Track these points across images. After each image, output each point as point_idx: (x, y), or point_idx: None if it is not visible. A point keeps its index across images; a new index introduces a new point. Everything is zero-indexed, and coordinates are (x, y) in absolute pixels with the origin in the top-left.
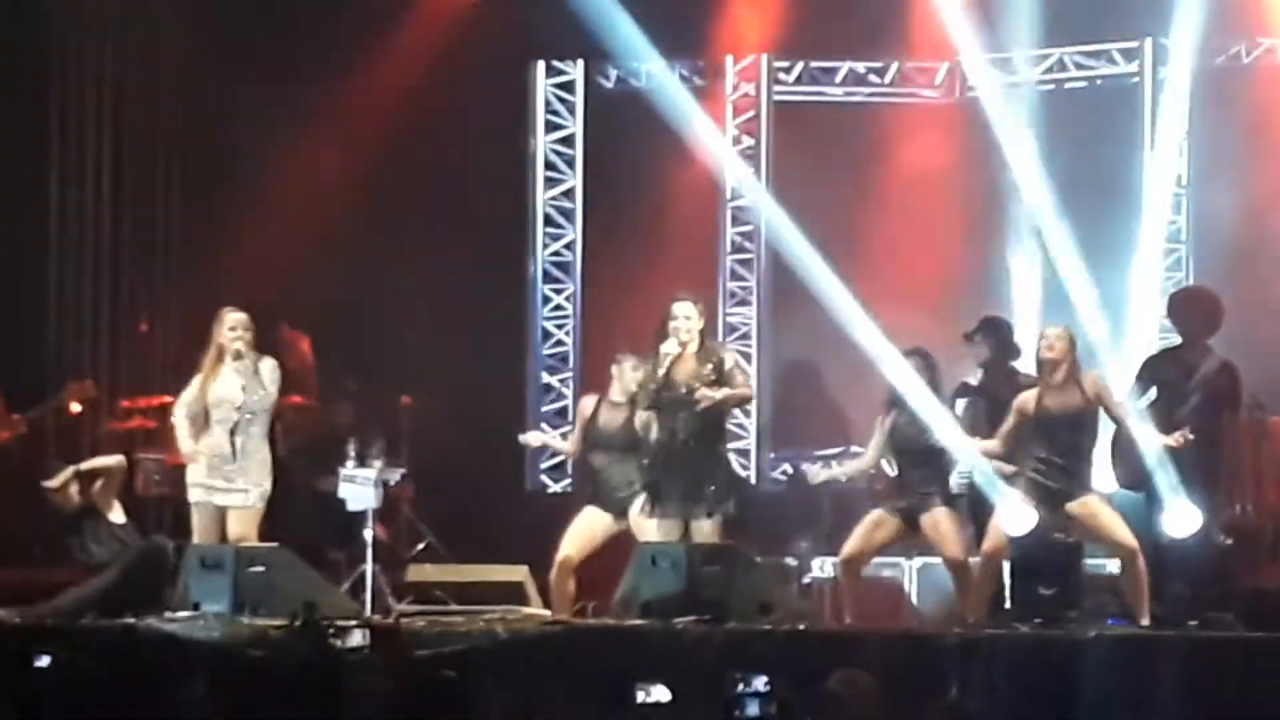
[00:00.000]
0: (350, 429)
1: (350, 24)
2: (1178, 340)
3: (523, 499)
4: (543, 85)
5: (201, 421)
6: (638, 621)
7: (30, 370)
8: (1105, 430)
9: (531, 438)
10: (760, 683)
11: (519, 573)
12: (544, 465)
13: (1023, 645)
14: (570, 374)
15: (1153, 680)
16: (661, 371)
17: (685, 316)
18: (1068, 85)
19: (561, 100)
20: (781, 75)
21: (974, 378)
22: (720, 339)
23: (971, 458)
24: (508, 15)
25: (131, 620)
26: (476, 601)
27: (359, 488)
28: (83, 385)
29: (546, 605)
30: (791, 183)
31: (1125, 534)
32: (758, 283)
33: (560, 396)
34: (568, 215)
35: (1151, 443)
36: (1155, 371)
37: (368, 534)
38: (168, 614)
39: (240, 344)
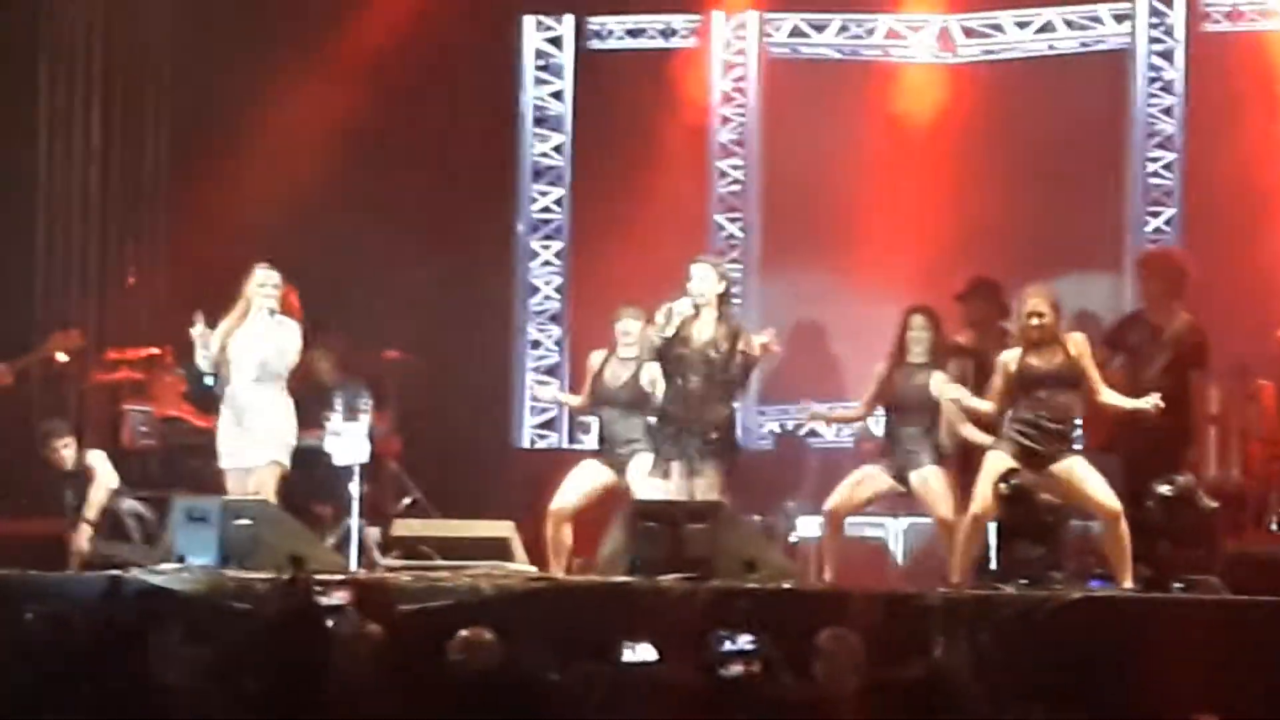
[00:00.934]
0: (335, 382)
1: None
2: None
3: (510, 455)
4: (532, 40)
5: (224, 374)
6: (623, 579)
7: (17, 322)
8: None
9: (544, 393)
10: (745, 640)
11: (505, 528)
12: (532, 422)
13: (1007, 606)
14: (558, 330)
15: (1137, 642)
16: (671, 328)
17: (701, 278)
18: (1057, 48)
19: (550, 56)
20: (770, 31)
21: (964, 337)
22: None
23: (960, 418)
24: None
25: (118, 572)
26: (462, 557)
27: (347, 442)
28: (68, 334)
29: (533, 561)
30: (781, 139)
31: (1108, 496)
32: (747, 240)
33: (548, 352)
34: (556, 171)
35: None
36: (1123, 334)
37: (354, 488)
38: (153, 567)
39: (271, 301)
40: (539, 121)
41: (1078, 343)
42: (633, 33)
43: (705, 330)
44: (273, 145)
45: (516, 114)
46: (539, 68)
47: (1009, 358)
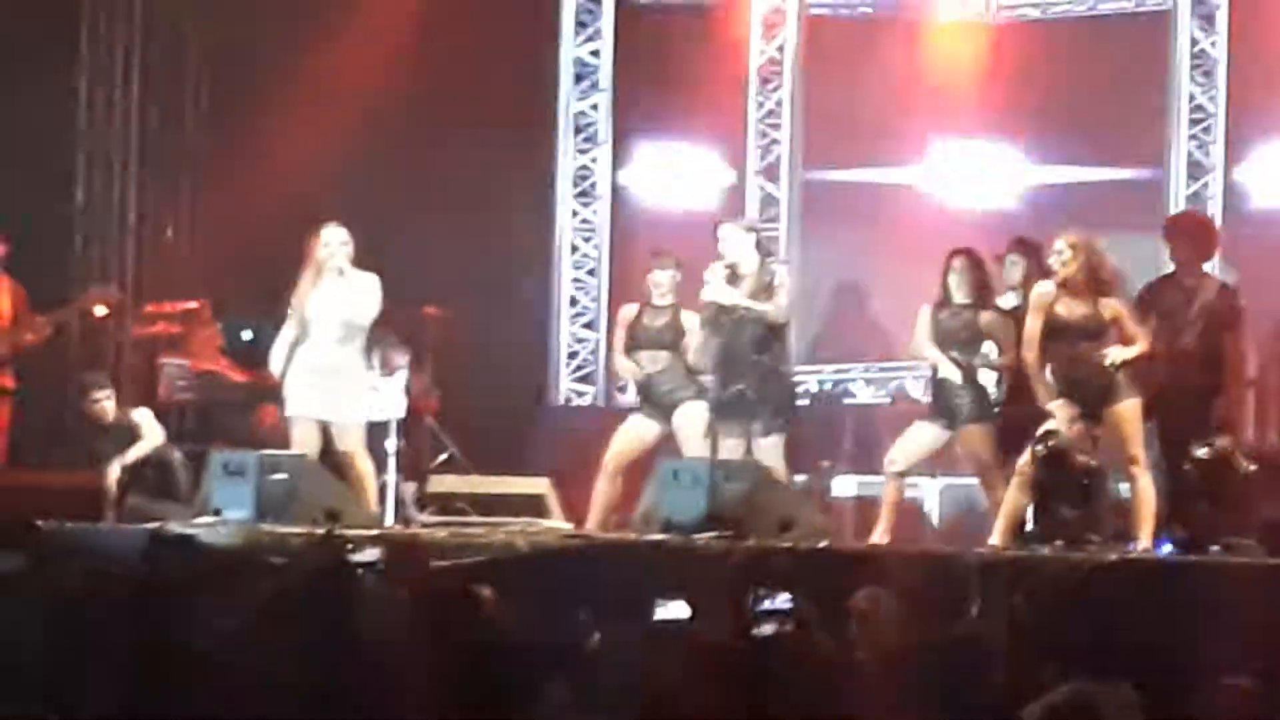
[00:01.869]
0: (374, 338)
1: None
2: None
3: (547, 411)
4: None
5: (304, 335)
6: (658, 536)
7: (56, 274)
8: None
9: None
10: (781, 599)
11: (541, 485)
12: (569, 378)
13: (1044, 567)
14: (597, 286)
15: (1173, 605)
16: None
17: (730, 240)
18: (1099, 11)
19: (590, 11)
20: None
21: (1006, 299)
22: None
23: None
24: None
25: (156, 525)
26: (498, 513)
27: (384, 397)
28: (106, 289)
29: (568, 518)
30: (820, 97)
31: (1138, 449)
32: (789, 200)
33: (585, 310)
34: (595, 127)
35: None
36: (1155, 298)
37: (389, 444)
38: (190, 520)
39: (340, 260)
40: (578, 78)
41: (1114, 307)
42: None
43: (742, 291)
44: (310, 100)
45: (556, 69)
46: (579, 24)
47: (1043, 296)
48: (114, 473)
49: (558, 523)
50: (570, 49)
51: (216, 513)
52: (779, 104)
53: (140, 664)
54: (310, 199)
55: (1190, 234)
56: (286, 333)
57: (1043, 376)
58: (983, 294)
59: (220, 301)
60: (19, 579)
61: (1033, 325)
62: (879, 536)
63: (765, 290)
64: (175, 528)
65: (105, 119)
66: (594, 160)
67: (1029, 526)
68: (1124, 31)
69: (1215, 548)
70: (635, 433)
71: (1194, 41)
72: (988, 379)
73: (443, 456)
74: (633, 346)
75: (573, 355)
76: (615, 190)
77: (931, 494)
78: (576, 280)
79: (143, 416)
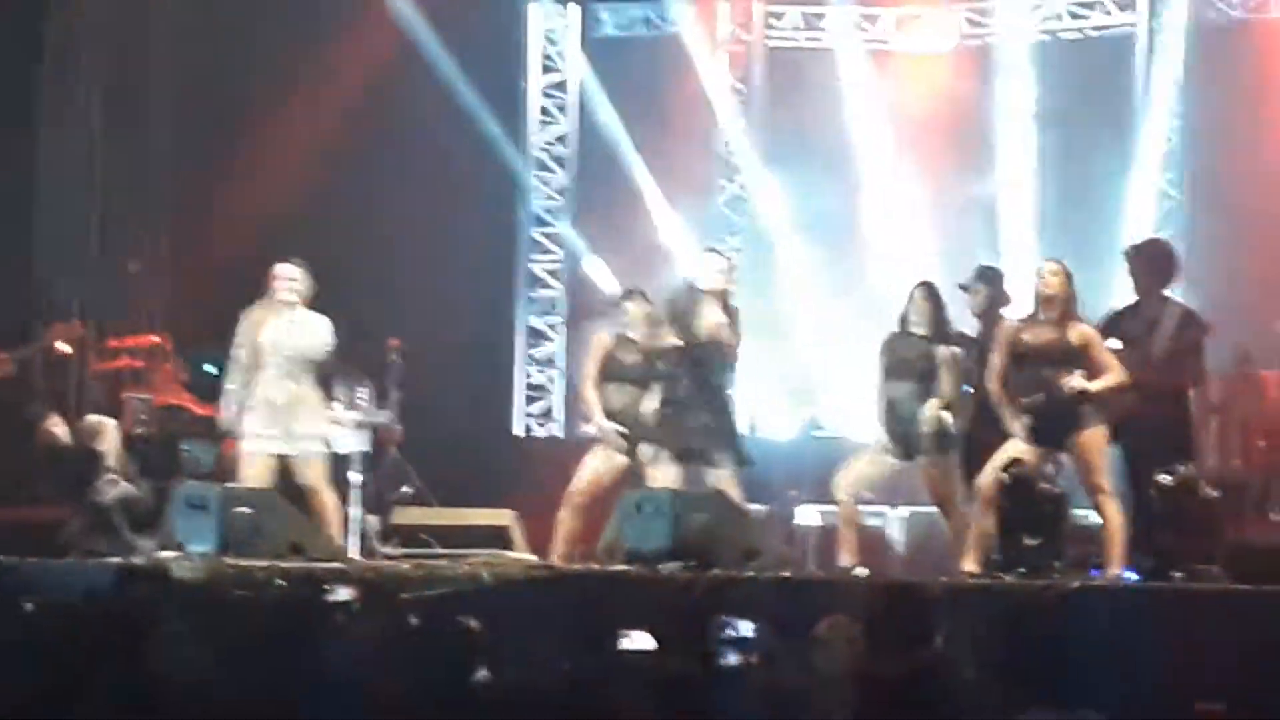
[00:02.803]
0: (335, 370)
1: None
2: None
3: (509, 443)
4: (537, 28)
5: (255, 370)
6: (622, 567)
7: (17, 309)
8: None
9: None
10: (745, 629)
11: (505, 516)
12: (531, 410)
13: (1008, 595)
14: (559, 319)
15: (1138, 632)
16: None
17: (719, 270)
18: (1063, 35)
19: (555, 44)
20: (774, 21)
21: (969, 328)
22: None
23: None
24: None
25: (119, 560)
26: (462, 545)
27: (347, 430)
28: (69, 325)
29: (532, 549)
30: (784, 128)
31: (1103, 478)
32: (752, 227)
33: (547, 340)
34: (559, 160)
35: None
36: (1119, 326)
37: (354, 477)
38: (153, 554)
39: (291, 295)
40: (543, 110)
41: (1083, 334)
42: (638, 21)
43: (706, 320)
44: (274, 133)
45: (520, 103)
46: (544, 57)
47: (1008, 330)
48: (78, 505)
49: (522, 554)
50: (536, 81)
51: (180, 546)
52: (740, 132)
53: (104, 700)
54: (273, 234)
55: (1149, 261)
56: (233, 373)
57: (1008, 406)
58: (940, 325)
59: (183, 335)
60: None
61: (997, 357)
62: (845, 559)
63: (731, 322)
64: (139, 561)
65: (65, 152)
66: (558, 191)
67: (992, 555)
68: (1088, 54)
69: (1180, 574)
70: (600, 464)
71: (1156, 66)
72: (944, 410)
73: (405, 489)
74: (602, 379)
75: (534, 388)
76: (577, 221)
77: (895, 522)
78: (539, 312)
79: (93, 419)
